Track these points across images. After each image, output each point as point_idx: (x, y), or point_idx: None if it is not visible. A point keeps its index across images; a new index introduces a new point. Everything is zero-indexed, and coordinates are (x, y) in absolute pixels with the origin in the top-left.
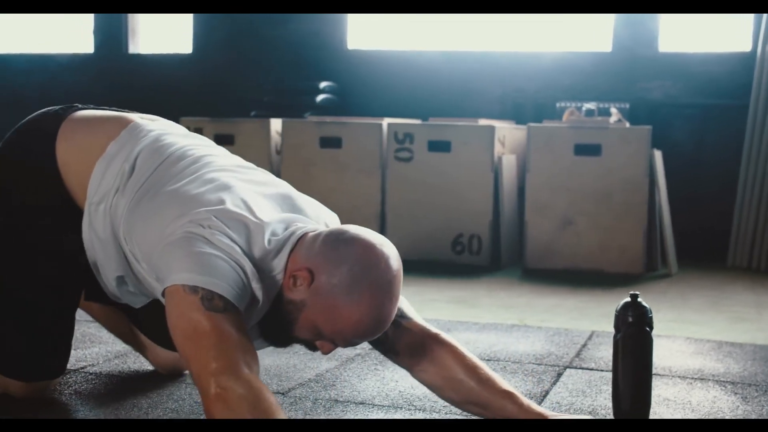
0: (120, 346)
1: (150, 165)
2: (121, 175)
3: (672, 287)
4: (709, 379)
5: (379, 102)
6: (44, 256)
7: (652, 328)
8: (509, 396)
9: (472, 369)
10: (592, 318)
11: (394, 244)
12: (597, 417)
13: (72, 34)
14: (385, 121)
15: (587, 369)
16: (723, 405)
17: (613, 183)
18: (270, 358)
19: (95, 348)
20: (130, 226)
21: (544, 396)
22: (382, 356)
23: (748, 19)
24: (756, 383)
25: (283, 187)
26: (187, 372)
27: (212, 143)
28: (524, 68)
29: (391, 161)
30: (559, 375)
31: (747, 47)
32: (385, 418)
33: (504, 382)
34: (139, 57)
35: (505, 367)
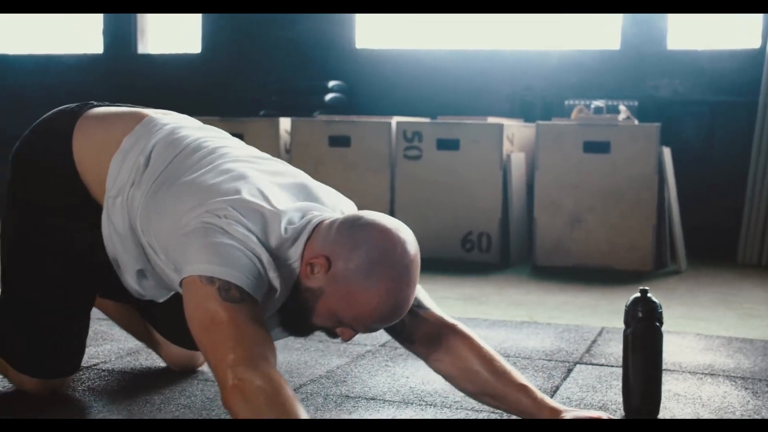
0: (132, 343)
1: (165, 157)
2: (136, 168)
3: (681, 284)
4: (720, 375)
5: (388, 101)
6: (57, 256)
7: (662, 323)
8: (524, 389)
9: (487, 361)
10: (602, 315)
11: None
12: (607, 412)
13: (81, 35)
14: (394, 120)
15: (597, 365)
16: (733, 400)
17: (622, 180)
18: (281, 354)
19: (107, 345)
20: (147, 218)
21: (555, 391)
22: (392, 352)
23: (757, 16)
24: (766, 378)
25: (300, 176)
26: (199, 368)
27: (227, 135)
28: (533, 66)
29: (400, 160)
30: (569, 371)
31: (756, 44)
32: (395, 413)
33: (519, 376)
34: (148, 57)
35: (515, 363)
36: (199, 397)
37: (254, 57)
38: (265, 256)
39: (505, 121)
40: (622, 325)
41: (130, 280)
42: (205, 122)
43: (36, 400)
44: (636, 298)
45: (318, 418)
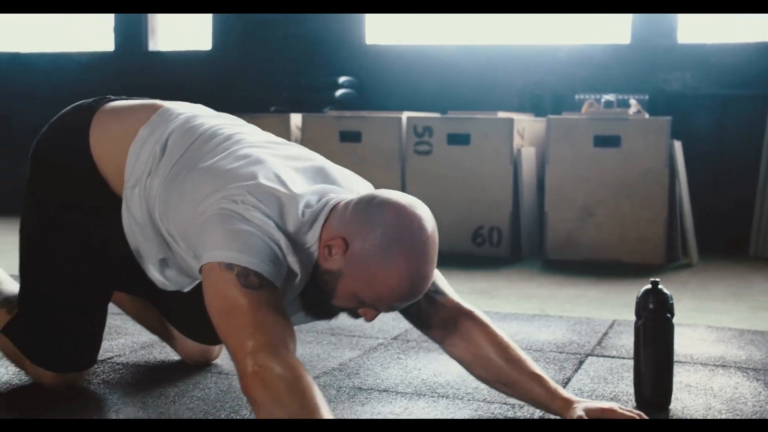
0: (146, 337)
1: (181, 145)
2: (153, 157)
3: (693, 277)
4: (731, 366)
5: (398, 96)
6: (74, 253)
7: (673, 314)
8: (537, 378)
9: (502, 348)
10: (614, 307)
11: None
12: (619, 403)
13: (92, 33)
14: (405, 115)
15: (609, 357)
16: (745, 391)
17: (633, 174)
18: None
19: (121, 339)
20: (165, 205)
21: (566, 383)
22: (404, 345)
23: None
24: None
25: (317, 159)
26: (213, 362)
27: (243, 122)
28: (543, 61)
29: (410, 155)
30: (581, 363)
31: (767, 37)
32: (408, 405)
33: (534, 365)
34: (159, 54)
35: None
36: (214, 390)
37: (264, 53)
38: (283, 241)
39: (515, 116)
40: (633, 318)
41: (154, 271)
42: None
43: (53, 393)
44: (647, 290)
45: (332, 408)
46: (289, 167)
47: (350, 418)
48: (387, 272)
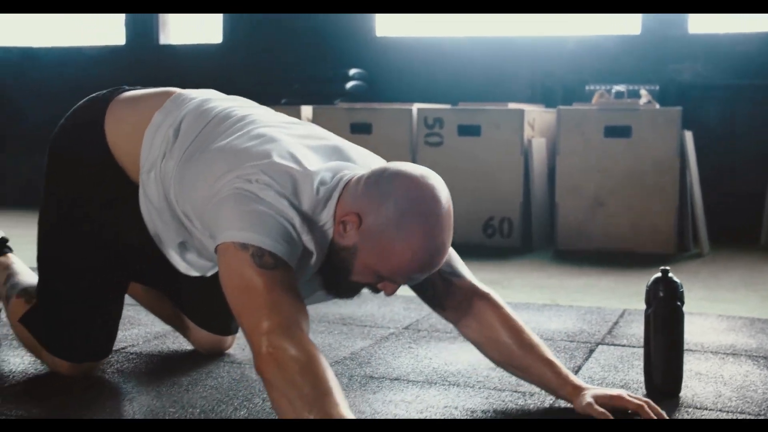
0: (159, 327)
1: (195, 127)
2: (167, 140)
3: (704, 267)
4: (742, 354)
5: (409, 88)
6: (91, 245)
7: (683, 302)
8: (549, 364)
9: (515, 332)
10: (624, 297)
11: None
12: (629, 391)
13: (103, 27)
14: (415, 107)
15: (619, 345)
16: (755, 378)
17: (644, 164)
18: None
19: (135, 329)
20: (180, 186)
21: (577, 371)
22: (415, 335)
23: None
24: None
25: (332, 138)
26: (226, 351)
27: (256, 104)
28: (553, 52)
29: (421, 146)
30: (591, 351)
31: None
32: (419, 393)
33: (547, 351)
34: (170, 48)
35: None
36: (226, 379)
37: (275, 46)
38: (297, 220)
39: (525, 107)
40: (644, 307)
41: (175, 255)
42: None
43: (69, 382)
44: (657, 278)
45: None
46: (303, 145)
47: (362, 405)
48: (402, 244)
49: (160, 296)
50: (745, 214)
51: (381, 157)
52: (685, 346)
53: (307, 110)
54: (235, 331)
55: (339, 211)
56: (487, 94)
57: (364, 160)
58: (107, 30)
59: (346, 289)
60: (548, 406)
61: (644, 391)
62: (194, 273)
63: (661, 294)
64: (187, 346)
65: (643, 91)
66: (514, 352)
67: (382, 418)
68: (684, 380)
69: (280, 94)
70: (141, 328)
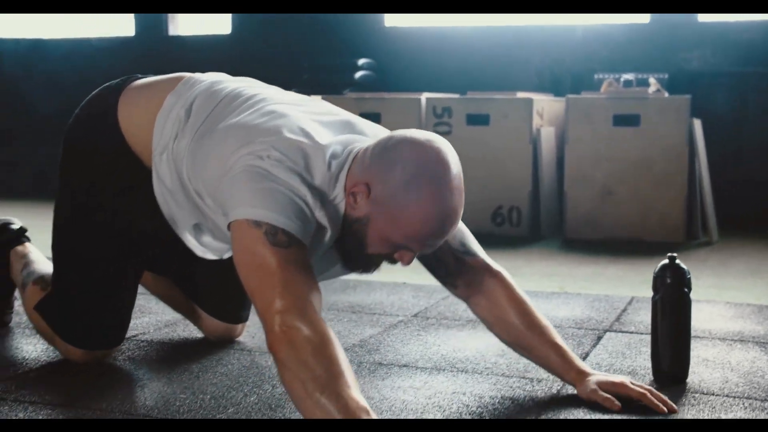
0: (170, 315)
1: (207, 107)
2: (178, 121)
3: (713, 255)
4: (749, 341)
5: (417, 77)
6: (105, 235)
7: (690, 288)
8: (556, 347)
9: (524, 313)
10: (633, 285)
11: None
12: (636, 377)
13: (113, 19)
14: (424, 96)
15: (627, 332)
16: (762, 365)
17: (653, 152)
18: None
19: (146, 318)
20: (192, 165)
21: (584, 358)
22: (424, 322)
23: None
24: None
25: (343, 114)
26: (236, 339)
27: (265, 84)
28: (562, 40)
29: None
30: (599, 338)
31: None
32: (428, 379)
33: (554, 334)
34: (179, 39)
35: None
36: (236, 366)
37: (284, 36)
38: (309, 197)
39: (534, 96)
40: (652, 294)
41: (190, 238)
42: None
43: (81, 369)
44: (664, 265)
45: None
46: (314, 120)
47: (371, 391)
48: (412, 209)
49: (170, 285)
50: (755, 202)
51: None
52: (693, 333)
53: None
54: (245, 320)
55: (348, 182)
56: (496, 84)
57: (375, 133)
58: (116, 21)
59: (364, 263)
60: (555, 392)
61: (651, 377)
62: (210, 256)
63: (669, 280)
64: (198, 333)
65: (651, 80)
66: (521, 332)
67: (391, 404)
68: (691, 366)
69: (289, 85)
70: (152, 317)
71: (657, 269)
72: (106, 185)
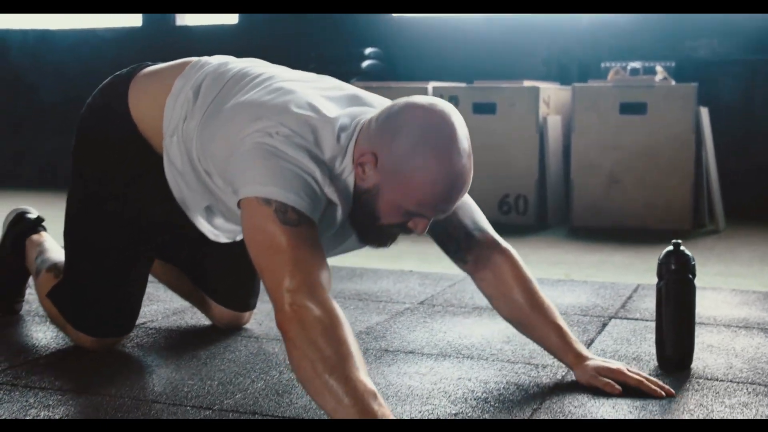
0: (177, 303)
1: (215, 87)
2: (187, 102)
3: (719, 242)
4: (754, 327)
5: (424, 66)
6: (116, 225)
7: (694, 275)
8: (556, 329)
9: (528, 292)
10: (639, 272)
11: None
12: (641, 363)
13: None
14: (431, 85)
15: (632, 319)
16: (767, 350)
17: (660, 141)
18: None
19: (154, 306)
20: (201, 144)
21: (589, 344)
22: (430, 309)
23: None
24: None
25: (351, 89)
26: (244, 326)
27: (272, 64)
28: (568, 29)
29: None
30: (604, 325)
31: None
32: (433, 365)
33: (557, 315)
34: (186, 29)
35: None
36: (244, 352)
37: (291, 25)
38: (318, 173)
39: (541, 84)
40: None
41: (202, 221)
42: None
43: (91, 355)
44: (669, 251)
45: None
46: (321, 96)
47: (377, 377)
48: (420, 173)
49: (178, 273)
50: (762, 190)
51: None
52: (698, 320)
53: None
54: (253, 307)
55: (356, 153)
56: (503, 72)
57: (383, 105)
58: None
59: (378, 235)
60: (560, 377)
61: (656, 363)
62: (223, 239)
63: (673, 266)
64: (205, 321)
65: (658, 68)
66: (524, 310)
67: (397, 389)
68: (696, 352)
69: None
70: (160, 304)
71: (661, 256)
72: (118, 174)
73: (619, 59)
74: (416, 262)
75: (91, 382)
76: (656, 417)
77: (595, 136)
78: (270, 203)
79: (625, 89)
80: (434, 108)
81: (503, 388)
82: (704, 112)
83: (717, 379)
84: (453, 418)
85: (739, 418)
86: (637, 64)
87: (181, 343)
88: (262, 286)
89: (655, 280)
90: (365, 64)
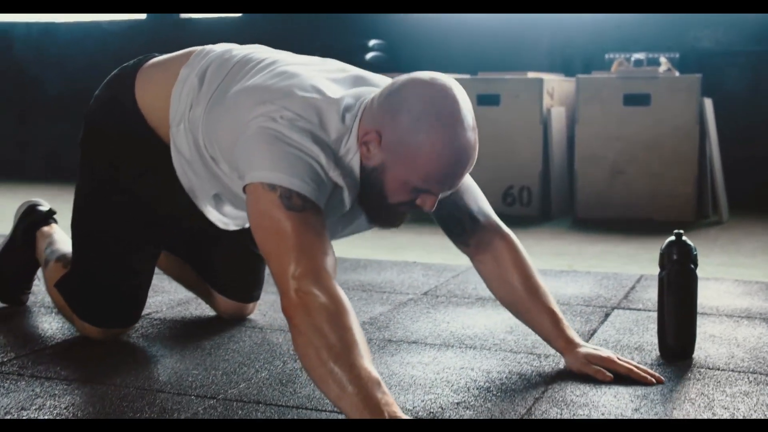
0: (182, 294)
1: (219, 74)
2: (192, 89)
3: (723, 233)
4: (756, 317)
5: (428, 58)
6: (119, 218)
7: (696, 265)
8: (550, 314)
9: (526, 277)
10: (642, 263)
11: None
12: (643, 353)
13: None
14: None
15: (635, 309)
16: None
17: (663, 132)
18: None
19: (159, 297)
20: (208, 129)
21: (592, 334)
22: (433, 300)
23: None
24: None
25: (355, 70)
26: (248, 317)
27: (275, 50)
28: (572, 20)
29: None
30: (607, 315)
31: None
32: (436, 355)
33: (552, 302)
34: (190, 21)
35: None
36: (248, 343)
37: (294, 18)
38: (323, 157)
39: (545, 76)
40: None
41: (211, 210)
42: None
43: (97, 345)
44: (671, 242)
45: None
46: (325, 78)
47: (380, 367)
48: (424, 147)
49: (183, 264)
50: (765, 181)
51: None
52: (700, 310)
53: None
54: (257, 299)
55: (360, 132)
56: (507, 64)
57: (385, 84)
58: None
59: (387, 215)
60: (563, 367)
61: (658, 353)
62: (233, 227)
63: (675, 256)
64: (210, 312)
65: (662, 59)
66: (520, 295)
67: (401, 379)
68: (697, 342)
69: None
70: (165, 295)
71: (663, 246)
72: (126, 166)
73: (622, 50)
74: (419, 253)
75: (97, 372)
76: (658, 406)
77: (598, 128)
78: (275, 189)
79: (628, 80)
80: (436, 82)
81: (506, 377)
82: (708, 103)
83: (718, 369)
84: (455, 407)
85: (739, 407)
86: (640, 55)
87: (185, 333)
88: (266, 277)
89: (657, 270)
90: (369, 56)
